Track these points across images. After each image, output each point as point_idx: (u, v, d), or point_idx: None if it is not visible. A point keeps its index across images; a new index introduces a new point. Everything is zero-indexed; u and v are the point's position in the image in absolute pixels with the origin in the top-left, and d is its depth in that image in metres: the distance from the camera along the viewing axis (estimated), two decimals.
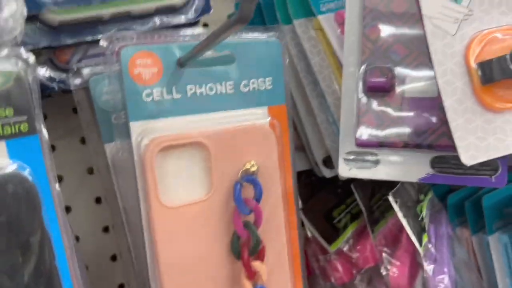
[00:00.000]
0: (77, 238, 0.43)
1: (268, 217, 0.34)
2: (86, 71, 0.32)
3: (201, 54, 0.29)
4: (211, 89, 0.32)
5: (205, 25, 0.49)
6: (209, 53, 0.32)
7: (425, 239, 0.36)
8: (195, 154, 0.32)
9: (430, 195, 0.46)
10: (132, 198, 0.31)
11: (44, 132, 0.27)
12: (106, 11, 0.30)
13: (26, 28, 0.30)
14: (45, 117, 0.39)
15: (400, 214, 0.34)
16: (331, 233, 0.44)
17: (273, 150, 0.34)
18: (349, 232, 0.44)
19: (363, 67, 0.35)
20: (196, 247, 0.31)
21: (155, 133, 0.30)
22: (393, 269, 0.38)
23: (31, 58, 0.26)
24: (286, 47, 0.35)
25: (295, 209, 0.36)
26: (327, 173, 0.44)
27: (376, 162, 0.36)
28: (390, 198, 0.35)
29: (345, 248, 0.43)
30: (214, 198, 0.32)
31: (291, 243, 0.36)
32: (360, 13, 0.35)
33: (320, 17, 0.39)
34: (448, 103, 0.30)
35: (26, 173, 0.24)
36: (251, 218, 0.33)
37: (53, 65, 0.32)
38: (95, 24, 0.30)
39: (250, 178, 0.33)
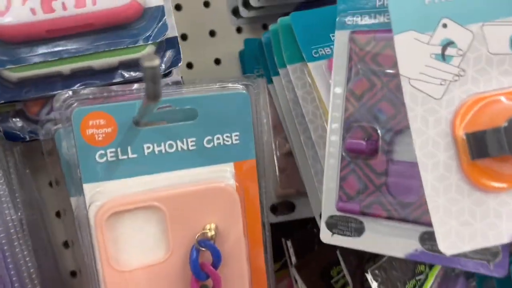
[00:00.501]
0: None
1: (230, 284, 0.31)
2: (51, 124, 0.31)
3: (148, 114, 0.27)
4: (170, 146, 0.31)
5: (189, 66, 0.48)
6: (168, 109, 0.30)
7: None
8: (151, 215, 0.30)
9: None
10: (89, 256, 0.30)
11: None
12: (65, 67, 0.30)
13: None
14: None
15: None
16: None
17: (237, 213, 0.31)
18: None
19: (346, 125, 0.31)
20: None
21: (107, 196, 0.29)
22: None
23: None
24: (257, 98, 0.33)
25: (267, 275, 0.33)
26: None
27: (361, 230, 0.32)
28: (369, 276, 0.30)
29: None
30: (171, 261, 0.30)
31: None
32: (347, 63, 0.32)
33: (311, 65, 0.36)
34: (427, 179, 0.26)
35: None
36: (210, 283, 0.31)
37: (24, 116, 0.33)
38: (56, 79, 0.30)
39: (207, 243, 0.30)
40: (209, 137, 0.31)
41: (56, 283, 0.40)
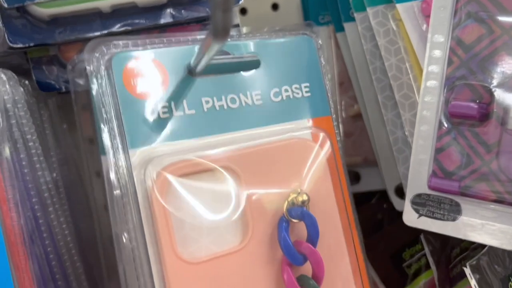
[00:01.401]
0: None
1: (330, 267, 0.25)
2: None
3: (210, 57, 0.21)
4: (233, 101, 0.25)
5: (243, 11, 0.41)
6: (226, 57, 0.24)
7: None
8: (220, 188, 0.24)
9: None
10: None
11: (8, 156, 0.22)
12: (105, 3, 0.24)
13: (17, 23, 0.25)
14: None
15: None
16: (397, 279, 0.35)
17: (325, 172, 0.26)
18: (420, 281, 0.35)
19: (448, 83, 0.25)
20: None
21: (164, 162, 0.23)
22: None
23: None
24: (321, 46, 0.27)
25: (361, 249, 0.27)
26: (399, 205, 0.35)
27: (456, 214, 0.26)
28: (467, 271, 0.25)
29: None
30: (250, 247, 0.24)
31: None
32: (452, 4, 0.25)
33: (400, 6, 0.29)
34: None
35: None
36: (305, 270, 0.24)
37: (59, 63, 0.28)
38: (94, 18, 0.25)
39: (299, 211, 0.24)
40: (276, 89, 0.26)
41: (96, 250, 0.37)
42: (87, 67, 0.23)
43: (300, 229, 0.25)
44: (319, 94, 0.27)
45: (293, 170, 0.25)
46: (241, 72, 0.25)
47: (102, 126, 0.23)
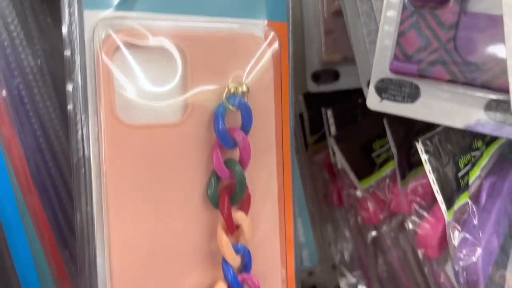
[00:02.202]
0: None
1: (257, 156, 0.27)
2: None
3: None
4: None
5: None
6: None
7: (463, 199, 0.29)
8: (166, 63, 0.25)
9: (501, 139, 0.36)
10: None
11: None
12: None
13: None
14: None
15: (428, 167, 0.27)
16: (365, 168, 0.37)
17: (268, 69, 0.27)
18: (387, 169, 0.37)
19: None
20: (160, 184, 0.25)
21: (114, 25, 0.23)
22: (424, 225, 0.32)
23: None
24: None
25: (290, 152, 0.29)
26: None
27: (415, 96, 0.27)
28: (419, 146, 0.27)
29: (378, 188, 0.37)
30: (188, 123, 0.25)
31: (283, 196, 0.29)
32: None
33: None
34: (510, 29, 0.21)
35: None
36: (235, 155, 0.26)
37: None
38: None
39: (237, 99, 0.25)
40: None
41: None
42: None
43: (237, 119, 0.26)
44: None
45: (239, 61, 0.26)
46: None
47: None
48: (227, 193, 0.26)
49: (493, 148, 0.35)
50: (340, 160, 0.38)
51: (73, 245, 0.31)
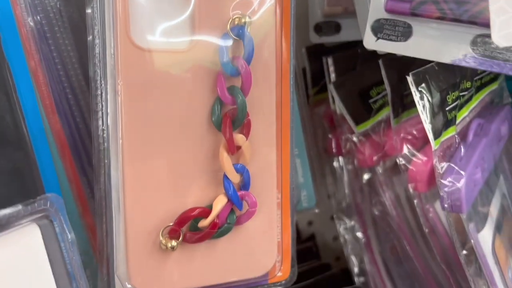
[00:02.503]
0: None
1: (257, 85, 0.29)
2: None
3: None
4: None
5: None
6: None
7: (450, 132, 0.31)
8: None
9: (495, 84, 0.38)
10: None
11: None
12: None
13: None
14: None
15: (417, 97, 0.29)
16: (362, 113, 0.40)
17: (271, 6, 0.29)
18: (382, 114, 0.39)
19: None
20: (168, 107, 0.27)
21: None
22: (415, 161, 0.34)
23: None
24: None
25: (289, 89, 0.31)
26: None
27: (408, 35, 0.30)
28: (409, 78, 0.29)
29: (374, 131, 0.39)
30: (195, 51, 0.27)
31: (281, 127, 0.31)
32: None
33: None
34: None
35: None
36: (237, 82, 0.29)
37: None
38: None
39: (240, 29, 0.28)
40: None
41: None
42: None
43: (240, 50, 0.28)
44: None
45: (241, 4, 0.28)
46: None
47: None
48: (229, 117, 0.28)
49: (483, 94, 0.37)
50: (338, 105, 0.40)
51: (90, 172, 0.33)
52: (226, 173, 0.28)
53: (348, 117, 0.39)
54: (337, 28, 0.44)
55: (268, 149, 0.31)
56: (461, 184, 0.30)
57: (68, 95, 0.30)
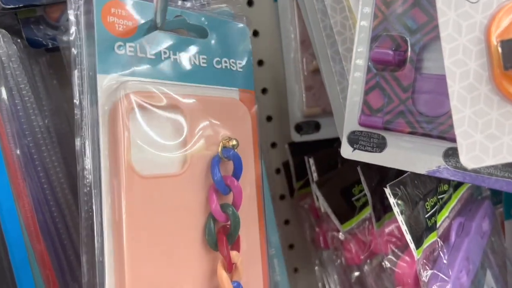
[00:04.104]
0: None
1: (243, 200, 0.31)
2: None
3: (163, 11, 0.26)
4: (185, 58, 0.30)
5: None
6: (184, 22, 0.29)
7: (431, 238, 0.31)
8: (168, 121, 0.29)
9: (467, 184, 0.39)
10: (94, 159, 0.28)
11: (4, 97, 0.27)
12: None
13: None
14: None
15: (396, 210, 0.30)
16: (346, 211, 0.40)
17: (249, 128, 0.32)
18: (366, 212, 0.40)
19: (374, 34, 0.30)
20: (166, 228, 0.28)
21: (127, 89, 0.27)
22: (401, 264, 0.34)
23: None
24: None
25: (262, 197, 0.33)
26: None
27: (382, 146, 0.31)
28: (387, 191, 0.30)
29: (359, 230, 0.40)
30: (187, 174, 0.29)
31: (263, 238, 0.32)
32: None
33: None
34: (454, 89, 0.24)
35: None
36: (228, 199, 0.30)
37: (45, 23, 0.32)
38: None
39: (230, 152, 0.30)
40: (218, 59, 0.31)
41: None
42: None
43: (226, 168, 0.31)
44: (248, 71, 0.33)
45: (226, 122, 0.31)
46: (193, 37, 0.30)
47: (73, 50, 0.27)
48: (224, 234, 0.29)
49: (462, 191, 0.38)
50: (322, 204, 0.40)
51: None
52: None
53: (332, 216, 0.40)
54: (317, 127, 0.46)
55: (256, 261, 0.31)
56: None
57: (56, 219, 0.30)
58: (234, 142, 0.30)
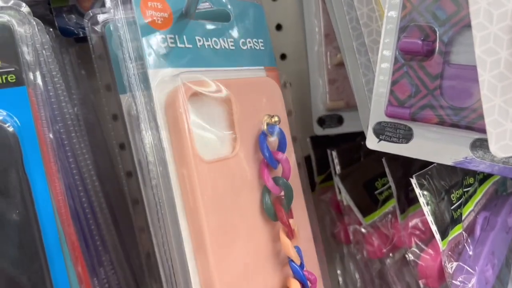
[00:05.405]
0: None
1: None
2: (102, 17, 0.31)
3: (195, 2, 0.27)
4: (215, 43, 0.30)
5: None
6: (206, 7, 0.30)
7: (457, 230, 0.31)
8: (218, 107, 0.30)
9: (495, 177, 0.39)
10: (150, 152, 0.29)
11: (39, 82, 0.28)
12: None
13: None
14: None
15: (422, 200, 0.30)
16: (369, 205, 0.40)
17: (282, 105, 0.33)
18: (389, 206, 0.40)
19: (402, 24, 0.30)
20: (233, 208, 0.29)
21: (182, 80, 0.28)
22: (425, 257, 0.34)
23: (24, 8, 0.26)
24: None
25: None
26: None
27: (409, 137, 0.31)
28: (413, 181, 0.30)
29: (382, 223, 0.40)
30: (240, 154, 0.30)
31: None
32: None
33: None
34: (484, 78, 0.24)
35: (10, 122, 0.25)
36: (277, 173, 0.32)
37: (78, 12, 0.33)
38: None
39: (275, 128, 0.31)
40: (243, 40, 0.32)
41: (113, 180, 0.42)
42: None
43: (270, 144, 0.32)
44: (269, 49, 0.34)
45: (264, 100, 0.32)
46: (218, 21, 0.31)
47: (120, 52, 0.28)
48: (281, 205, 0.31)
49: (487, 185, 0.38)
50: (345, 197, 0.41)
51: (99, 275, 0.34)
52: (292, 258, 0.30)
53: (355, 209, 0.40)
54: (339, 121, 0.46)
55: (305, 227, 0.34)
56: (472, 283, 0.30)
57: (84, 204, 0.31)
58: (276, 119, 0.31)
